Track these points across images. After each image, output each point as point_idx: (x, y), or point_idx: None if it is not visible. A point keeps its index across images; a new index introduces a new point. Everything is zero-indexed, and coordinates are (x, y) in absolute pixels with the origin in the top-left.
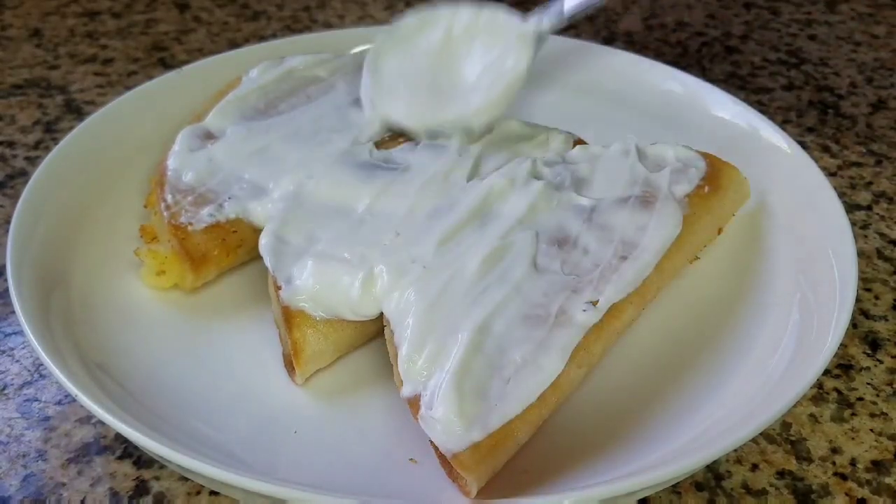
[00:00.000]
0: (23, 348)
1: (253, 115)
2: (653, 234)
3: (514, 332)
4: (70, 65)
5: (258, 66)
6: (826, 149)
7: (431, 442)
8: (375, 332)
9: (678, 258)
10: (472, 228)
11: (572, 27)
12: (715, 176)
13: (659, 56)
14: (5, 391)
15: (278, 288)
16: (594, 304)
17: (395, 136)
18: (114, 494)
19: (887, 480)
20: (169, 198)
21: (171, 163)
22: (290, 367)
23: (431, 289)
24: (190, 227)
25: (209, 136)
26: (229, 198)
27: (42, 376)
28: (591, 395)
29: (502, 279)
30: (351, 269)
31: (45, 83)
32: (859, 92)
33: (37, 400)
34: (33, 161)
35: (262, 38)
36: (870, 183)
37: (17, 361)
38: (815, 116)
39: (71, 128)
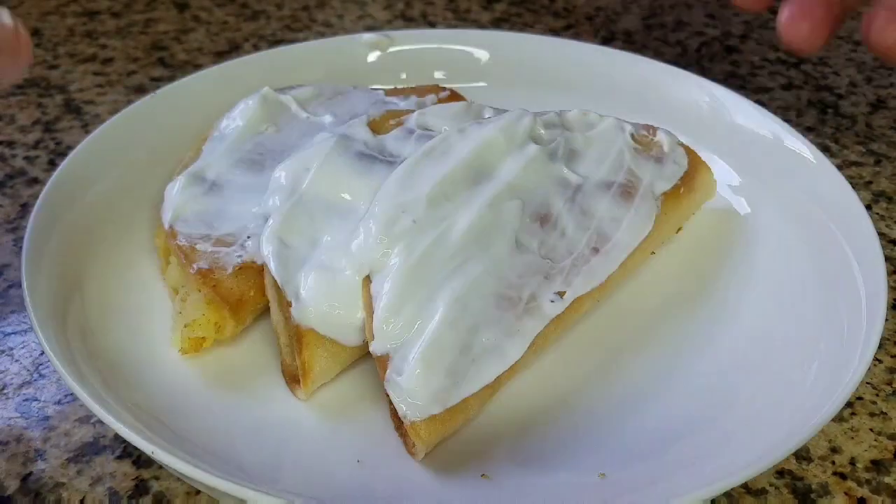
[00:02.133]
0: (22, 348)
1: (245, 154)
2: (625, 231)
3: (487, 312)
4: (69, 64)
5: (243, 102)
6: (825, 148)
7: (387, 395)
8: None
9: (639, 256)
10: (465, 184)
11: (571, 27)
12: (691, 176)
13: (658, 56)
14: (4, 391)
15: (288, 304)
16: (561, 295)
17: (388, 115)
18: (113, 494)
19: (887, 480)
20: (186, 245)
21: (176, 210)
22: (292, 381)
23: (416, 249)
24: (219, 273)
25: (205, 180)
26: (248, 237)
27: (41, 376)
28: (589, 395)
29: (485, 250)
30: (354, 290)
31: (44, 83)
32: (859, 91)
33: (36, 399)
34: (32, 161)
35: (261, 38)
36: (869, 182)
37: (17, 361)
38: (814, 116)
39: (71, 127)
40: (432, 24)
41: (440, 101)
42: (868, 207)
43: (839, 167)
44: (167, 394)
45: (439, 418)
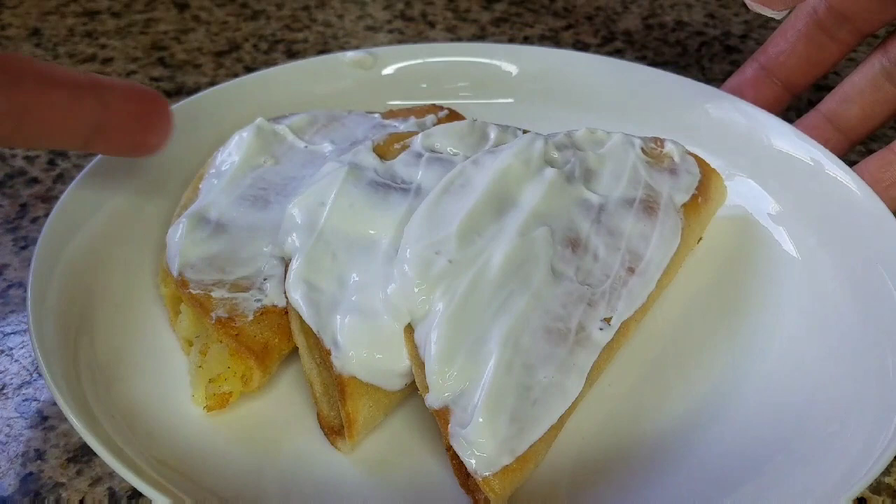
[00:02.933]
0: (21, 348)
1: (246, 189)
2: (656, 247)
3: (539, 348)
4: (69, 64)
5: (237, 134)
6: None
7: (448, 449)
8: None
9: (671, 271)
10: (491, 217)
11: (571, 27)
12: (706, 186)
13: (658, 55)
14: (4, 391)
15: (327, 352)
16: (608, 321)
17: (392, 139)
18: (112, 494)
19: (887, 480)
20: (200, 294)
21: (183, 257)
22: (332, 433)
23: (458, 290)
24: (240, 320)
25: (209, 221)
26: (265, 279)
27: (41, 376)
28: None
29: (524, 283)
30: (395, 337)
31: None
32: None
33: (35, 399)
34: (32, 161)
35: (261, 38)
36: None
37: (17, 361)
38: None
39: None
40: (432, 24)
41: (440, 120)
42: None
43: None
44: (193, 453)
45: (511, 469)
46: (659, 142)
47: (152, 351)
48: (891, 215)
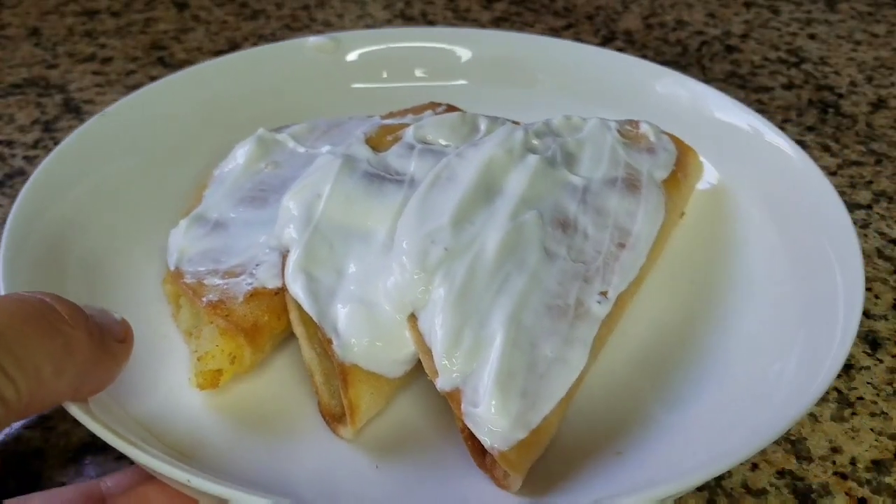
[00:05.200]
0: None
1: (247, 192)
2: (643, 222)
3: (541, 325)
4: (69, 64)
5: (239, 146)
6: (826, 148)
7: (462, 430)
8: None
9: (659, 245)
10: (480, 204)
11: (571, 26)
12: (684, 162)
13: (659, 55)
14: None
15: (328, 341)
16: (604, 294)
17: (384, 131)
18: None
19: (887, 480)
20: (193, 282)
21: (181, 252)
22: (334, 420)
23: (457, 276)
24: (230, 302)
25: (208, 221)
26: (257, 265)
27: None
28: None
29: (520, 266)
30: (395, 325)
31: (43, 82)
32: (859, 91)
33: None
34: (31, 160)
35: (261, 37)
36: (870, 182)
37: None
38: (815, 115)
39: (70, 127)
40: (432, 24)
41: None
42: (868, 207)
43: (840, 166)
44: (194, 443)
45: (526, 442)
46: (634, 123)
47: (156, 352)
48: (823, 176)
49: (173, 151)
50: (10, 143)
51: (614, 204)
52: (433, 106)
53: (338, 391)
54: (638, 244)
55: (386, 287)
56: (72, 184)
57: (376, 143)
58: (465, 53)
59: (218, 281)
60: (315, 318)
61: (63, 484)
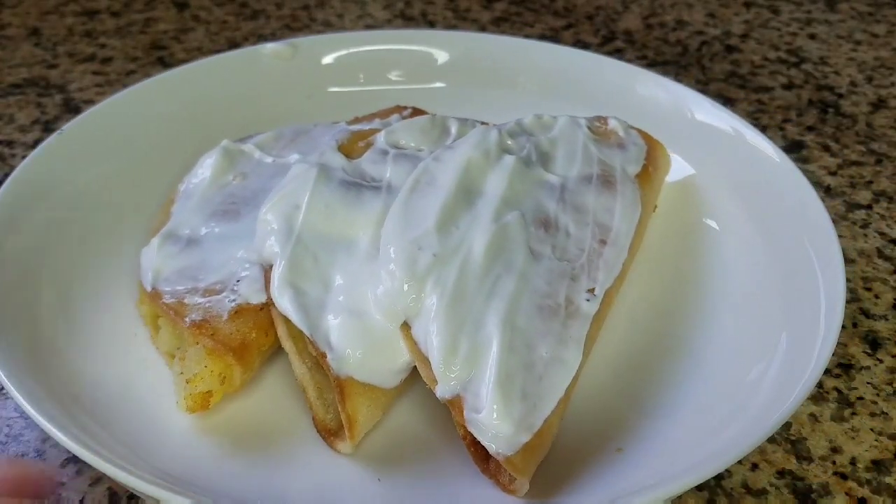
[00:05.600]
0: None
1: (217, 206)
2: (621, 217)
3: (535, 326)
4: (69, 64)
5: (204, 158)
6: (826, 148)
7: (465, 437)
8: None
9: (636, 240)
10: (462, 207)
11: (572, 26)
12: (653, 156)
13: (659, 55)
14: (4, 391)
15: (322, 355)
16: (592, 291)
17: (355, 137)
18: (112, 494)
19: (887, 480)
20: (173, 302)
21: (155, 272)
22: (331, 435)
23: (448, 282)
24: (215, 321)
25: (180, 238)
26: (238, 280)
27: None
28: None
29: (508, 267)
30: (389, 335)
31: (43, 82)
32: (859, 91)
33: None
34: None
35: (261, 37)
36: (870, 182)
37: None
38: (815, 115)
39: None
40: (432, 24)
41: (404, 119)
42: (868, 206)
43: (840, 166)
44: (185, 465)
45: (531, 445)
46: (602, 120)
47: (137, 376)
48: (803, 177)
49: (134, 167)
50: (10, 143)
51: (592, 201)
52: (399, 109)
53: (332, 405)
54: (619, 240)
55: (376, 296)
56: (29, 210)
57: (348, 149)
58: (441, 56)
59: (199, 299)
60: (307, 333)
61: (62, 484)
